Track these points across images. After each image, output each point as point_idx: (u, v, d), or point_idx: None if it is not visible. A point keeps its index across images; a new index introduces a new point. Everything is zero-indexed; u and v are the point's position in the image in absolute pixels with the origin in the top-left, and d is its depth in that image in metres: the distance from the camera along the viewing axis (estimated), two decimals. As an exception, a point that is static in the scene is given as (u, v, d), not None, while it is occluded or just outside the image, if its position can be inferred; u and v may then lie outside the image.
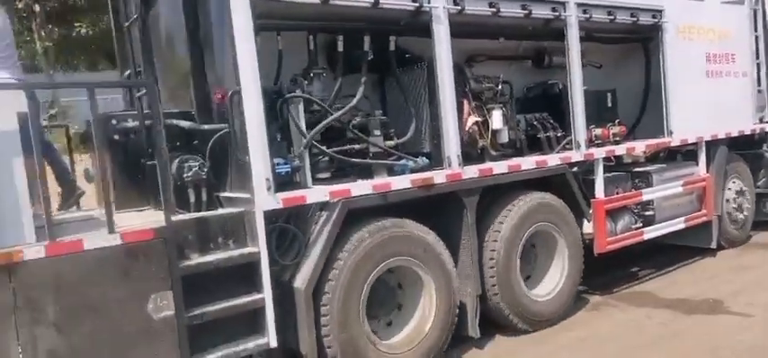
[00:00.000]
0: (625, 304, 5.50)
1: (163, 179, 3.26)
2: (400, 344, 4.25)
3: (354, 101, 4.14)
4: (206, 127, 3.91)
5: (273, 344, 3.63)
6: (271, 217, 3.65)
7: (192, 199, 3.75)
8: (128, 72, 5.01)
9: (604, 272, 6.09)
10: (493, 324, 4.88)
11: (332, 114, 4.04)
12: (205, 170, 3.80)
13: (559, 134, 5.46)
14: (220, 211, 3.66)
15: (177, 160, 3.78)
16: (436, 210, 4.48)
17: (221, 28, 3.71)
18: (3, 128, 2.82)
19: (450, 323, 4.44)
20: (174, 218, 3.27)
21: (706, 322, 4.88)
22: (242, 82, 3.48)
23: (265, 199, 3.59)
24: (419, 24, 4.37)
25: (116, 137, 3.94)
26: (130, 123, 3.93)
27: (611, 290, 5.88)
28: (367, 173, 4.28)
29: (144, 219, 3.53)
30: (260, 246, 3.57)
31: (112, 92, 8.32)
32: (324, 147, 4.03)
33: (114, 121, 3.95)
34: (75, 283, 2.96)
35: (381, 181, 4.16)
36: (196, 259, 3.41)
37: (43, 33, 16.89)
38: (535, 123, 5.43)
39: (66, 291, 2.94)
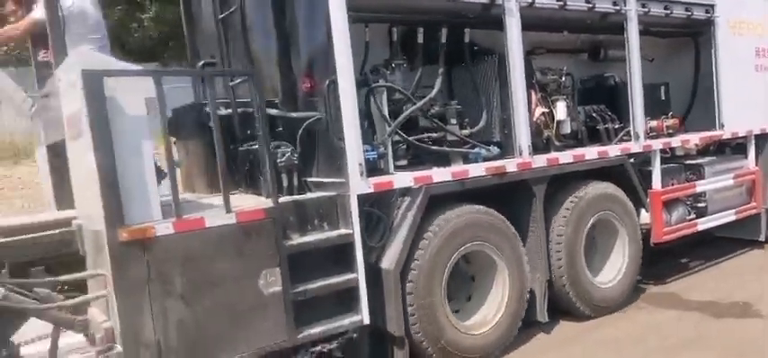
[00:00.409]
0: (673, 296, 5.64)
1: (268, 163, 3.48)
2: (475, 326, 4.44)
3: (434, 91, 4.35)
4: (295, 114, 4.12)
5: (366, 321, 3.83)
6: (361, 201, 3.85)
7: (285, 183, 3.95)
8: (202, 62, 5.22)
9: (656, 263, 6.24)
10: (557, 309, 5.06)
11: (412, 104, 4.24)
12: (296, 156, 4.01)
13: (617, 126, 5.64)
14: (316, 195, 3.86)
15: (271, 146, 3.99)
16: (506, 197, 4.67)
17: (312, 20, 3.93)
18: (132, 113, 3.04)
19: (522, 307, 4.63)
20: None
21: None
22: (338, 71, 3.70)
23: (358, 183, 3.80)
24: (491, 17, 4.58)
25: (210, 124, 4.14)
26: (223, 111, 4.14)
27: (665, 280, 6.03)
28: (441, 160, 4.48)
29: (240, 202, 3.74)
30: (354, 228, 3.78)
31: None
32: (405, 135, 4.23)
33: (208, 109, 4.16)
34: (198, 258, 3.18)
35: (459, 168, 4.36)
36: (297, 239, 3.62)
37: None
38: (594, 115, 5.60)
39: (190, 266, 3.16)
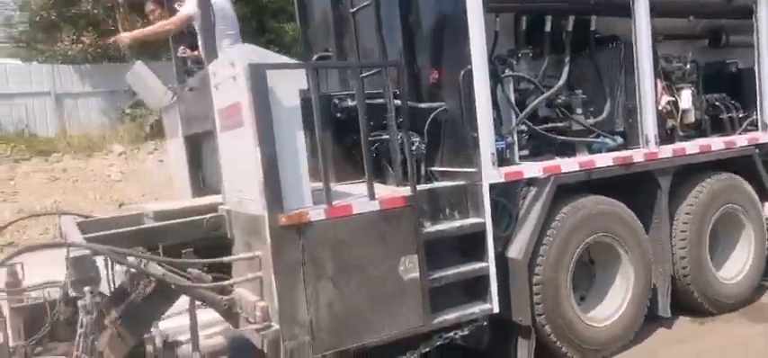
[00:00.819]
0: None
1: (408, 153, 3.59)
2: (597, 319, 4.41)
3: (562, 80, 4.32)
4: (423, 105, 4.20)
5: (496, 309, 3.89)
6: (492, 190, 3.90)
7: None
8: (316, 55, 5.40)
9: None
10: (677, 306, 4.93)
11: (540, 93, 4.23)
12: (424, 146, 4.10)
13: (741, 115, 5.40)
14: (447, 183, 3.94)
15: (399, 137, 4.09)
16: (630, 189, 4.58)
17: (445, 11, 3.99)
18: (289, 104, 3.21)
19: (646, 301, 4.55)
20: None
21: None
22: (473, 61, 3.74)
23: (491, 172, 3.85)
24: (618, 3, 4.48)
25: (338, 115, 4.30)
26: (350, 103, 4.27)
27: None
28: (562, 151, 4.45)
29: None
30: (486, 217, 3.83)
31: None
32: (532, 125, 4.23)
33: (336, 101, 4.32)
34: (346, 243, 3.33)
35: (586, 158, 4.32)
36: (432, 227, 3.71)
37: (127, 23, 17.98)
38: (717, 103, 5.39)
39: (339, 250, 3.31)
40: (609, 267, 4.54)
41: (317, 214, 3.25)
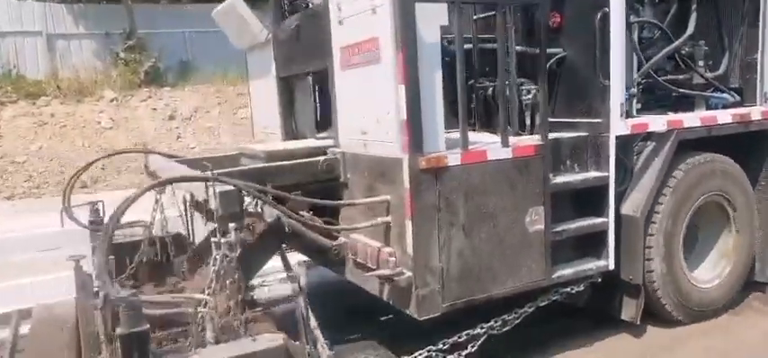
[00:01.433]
0: None
1: (542, 101, 3.44)
2: (701, 280, 4.31)
3: (690, 29, 4.10)
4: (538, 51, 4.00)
5: (612, 267, 3.80)
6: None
7: (527, 122, 3.90)
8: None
9: None
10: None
11: (664, 42, 4.03)
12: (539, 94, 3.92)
13: None
14: (570, 135, 3.79)
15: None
16: (741, 148, 4.40)
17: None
18: (430, 40, 3.04)
19: (748, 264, 4.44)
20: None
21: None
22: (612, 2, 3.54)
23: (618, 124, 3.69)
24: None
25: (447, 59, 4.12)
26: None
27: None
28: (679, 105, 4.27)
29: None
30: (609, 171, 3.70)
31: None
32: (656, 76, 4.04)
33: (445, 43, 4.12)
34: (478, 191, 3.23)
35: (707, 114, 4.15)
36: (557, 178, 3.59)
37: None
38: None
39: (471, 197, 3.21)
40: (714, 228, 4.41)
41: (453, 158, 3.14)
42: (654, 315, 4.18)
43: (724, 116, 4.19)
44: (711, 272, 4.38)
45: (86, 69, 13.46)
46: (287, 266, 3.84)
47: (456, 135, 3.40)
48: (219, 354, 2.49)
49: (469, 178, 3.21)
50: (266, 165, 3.69)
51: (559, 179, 3.62)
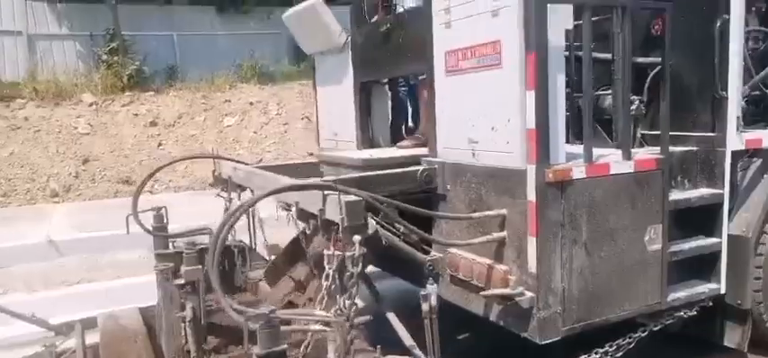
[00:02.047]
0: None
1: (664, 112, 3.26)
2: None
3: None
4: (640, 60, 3.83)
5: (723, 290, 3.59)
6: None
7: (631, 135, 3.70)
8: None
9: None
10: None
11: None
12: (643, 106, 3.75)
13: None
14: (681, 149, 3.59)
15: (610, 96, 3.76)
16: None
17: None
18: (556, 44, 2.87)
19: None
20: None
21: None
22: (732, 9, 3.37)
23: (734, 138, 3.50)
24: None
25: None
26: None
27: None
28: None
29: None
30: (724, 188, 3.50)
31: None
32: (765, 89, 3.86)
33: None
34: (600, 206, 3.04)
35: (817, 130, 3.94)
36: (674, 195, 3.39)
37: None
38: None
39: (594, 213, 3.02)
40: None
41: (578, 172, 2.95)
42: (756, 343, 3.95)
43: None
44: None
45: (67, 72, 12.92)
46: (369, 283, 3.67)
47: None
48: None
49: (593, 193, 3.01)
50: (375, 173, 3.50)
51: (677, 196, 3.43)
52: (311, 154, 6.90)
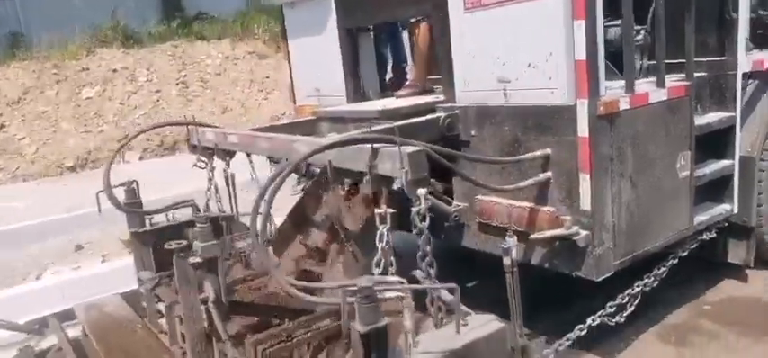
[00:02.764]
0: None
1: (688, 40, 3.23)
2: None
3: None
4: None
5: (736, 210, 3.70)
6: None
7: (638, 65, 3.69)
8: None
9: None
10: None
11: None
12: (649, 36, 3.73)
13: None
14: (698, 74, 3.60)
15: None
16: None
17: None
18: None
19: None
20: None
21: None
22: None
23: (743, 60, 3.55)
24: None
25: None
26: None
27: None
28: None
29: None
30: (737, 111, 3.57)
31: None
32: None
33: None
34: (641, 137, 3.00)
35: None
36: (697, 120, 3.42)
37: None
38: None
39: (636, 145, 2.98)
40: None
41: (624, 103, 2.87)
42: (757, 259, 4.13)
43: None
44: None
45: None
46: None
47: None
48: (442, 345, 2.13)
49: (635, 123, 2.97)
50: (408, 122, 3.26)
51: (699, 121, 3.45)
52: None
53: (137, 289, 3.95)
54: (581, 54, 2.69)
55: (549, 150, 2.93)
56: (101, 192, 3.74)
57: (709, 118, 3.52)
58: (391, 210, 2.49)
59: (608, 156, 2.84)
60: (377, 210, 2.52)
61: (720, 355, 3.33)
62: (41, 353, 3.74)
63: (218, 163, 4.01)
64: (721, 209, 3.66)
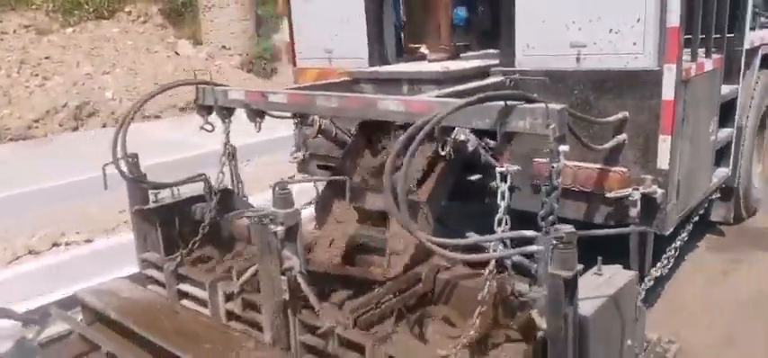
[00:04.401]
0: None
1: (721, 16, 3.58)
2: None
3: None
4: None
5: (730, 174, 4.21)
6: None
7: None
8: None
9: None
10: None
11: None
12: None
13: None
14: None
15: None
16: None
17: None
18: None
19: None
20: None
21: None
22: None
23: (748, 37, 4.03)
24: None
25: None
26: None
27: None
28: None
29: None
30: (740, 83, 4.05)
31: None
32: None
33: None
34: (698, 101, 3.32)
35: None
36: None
37: None
38: None
39: (695, 108, 3.29)
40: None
41: (693, 70, 3.15)
42: (736, 218, 4.73)
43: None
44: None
45: None
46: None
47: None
48: (597, 291, 2.24)
49: (696, 89, 3.27)
50: (482, 82, 3.29)
51: (723, 91, 3.84)
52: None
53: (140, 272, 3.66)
54: (674, 21, 2.90)
55: (626, 113, 3.13)
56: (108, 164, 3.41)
57: (724, 89, 3.93)
58: (514, 167, 2.54)
59: (681, 118, 3.10)
60: (498, 169, 2.55)
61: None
62: (48, 342, 3.30)
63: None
64: (723, 171, 4.14)
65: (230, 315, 3.10)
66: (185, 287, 3.41)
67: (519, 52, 3.48)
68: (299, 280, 2.75)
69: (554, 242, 1.96)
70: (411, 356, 2.36)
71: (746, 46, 4.07)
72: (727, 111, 4.07)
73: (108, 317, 3.12)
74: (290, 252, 2.76)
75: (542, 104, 2.37)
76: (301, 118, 3.54)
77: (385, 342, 2.41)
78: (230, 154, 3.72)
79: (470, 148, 2.60)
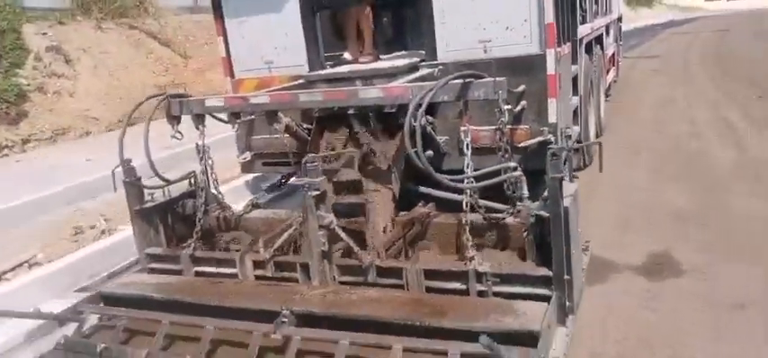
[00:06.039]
0: None
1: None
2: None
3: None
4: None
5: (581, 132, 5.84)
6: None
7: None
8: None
9: None
10: None
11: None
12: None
13: None
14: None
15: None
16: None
17: None
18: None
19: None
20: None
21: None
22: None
23: (581, 31, 5.68)
24: None
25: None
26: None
27: None
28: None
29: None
30: (581, 65, 5.69)
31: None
32: None
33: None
34: (563, 73, 4.77)
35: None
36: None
37: None
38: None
39: (564, 77, 4.73)
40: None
41: (562, 52, 4.59)
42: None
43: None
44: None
45: None
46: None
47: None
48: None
49: (563, 67, 4.73)
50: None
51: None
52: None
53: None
54: (550, 19, 4.28)
55: (523, 86, 4.46)
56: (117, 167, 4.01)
57: (572, 68, 5.51)
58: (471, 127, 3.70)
59: (559, 86, 4.51)
60: (462, 128, 3.69)
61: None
62: (87, 335, 3.65)
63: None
64: (577, 129, 5.74)
65: (259, 279, 3.80)
66: (201, 268, 4.04)
67: (440, 51, 4.68)
68: (337, 231, 3.60)
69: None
70: (441, 267, 3.36)
71: (578, 37, 5.71)
72: (574, 84, 5.68)
73: (154, 299, 3.63)
74: (324, 212, 3.59)
75: (491, 79, 3.55)
76: (269, 117, 4.36)
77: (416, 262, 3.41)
78: (206, 154, 4.38)
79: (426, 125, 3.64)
